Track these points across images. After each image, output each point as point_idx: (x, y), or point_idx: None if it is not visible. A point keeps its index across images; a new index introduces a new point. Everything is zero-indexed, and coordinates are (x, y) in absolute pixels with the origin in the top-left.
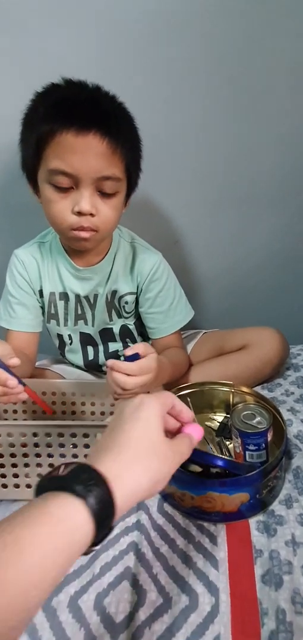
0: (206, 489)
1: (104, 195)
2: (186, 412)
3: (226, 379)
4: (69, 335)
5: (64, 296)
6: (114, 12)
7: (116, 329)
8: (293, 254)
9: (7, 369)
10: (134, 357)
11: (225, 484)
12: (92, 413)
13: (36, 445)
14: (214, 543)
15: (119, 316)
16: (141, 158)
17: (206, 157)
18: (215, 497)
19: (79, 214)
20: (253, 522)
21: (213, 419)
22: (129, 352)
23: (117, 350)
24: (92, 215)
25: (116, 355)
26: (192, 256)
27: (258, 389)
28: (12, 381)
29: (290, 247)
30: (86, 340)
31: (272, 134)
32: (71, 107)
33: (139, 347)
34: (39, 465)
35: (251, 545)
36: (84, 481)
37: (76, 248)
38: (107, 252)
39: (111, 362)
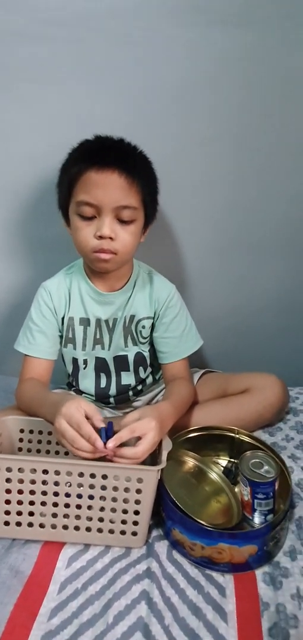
0: (218, 540)
1: (123, 222)
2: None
3: (229, 421)
4: (85, 360)
5: (85, 321)
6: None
7: (131, 357)
8: (294, 299)
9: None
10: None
11: (236, 536)
12: None
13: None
14: (223, 595)
15: (134, 343)
16: (157, 193)
17: (220, 205)
18: (225, 549)
19: (100, 237)
20: (259, 573)
21: (217, 463)
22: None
23: (128, 385)
24: (111, 239)
25: (126, 391)
26: (196, 295)
27: (259, 432)
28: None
29: (293, 293)
30: (101, 366)
31: (284, 187)
32: (95, 151)
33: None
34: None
35: (259, 598)
36: None
37: (98, 270)
38: (128, 279)
39: (112, 448)
